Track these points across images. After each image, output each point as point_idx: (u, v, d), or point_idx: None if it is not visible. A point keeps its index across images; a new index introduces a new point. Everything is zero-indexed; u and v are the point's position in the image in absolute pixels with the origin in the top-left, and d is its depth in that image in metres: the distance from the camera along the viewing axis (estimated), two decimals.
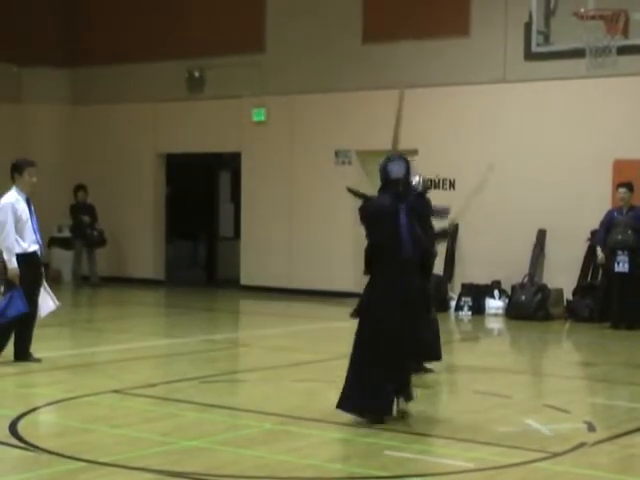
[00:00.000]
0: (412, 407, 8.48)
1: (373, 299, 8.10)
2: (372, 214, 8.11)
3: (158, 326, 15.43)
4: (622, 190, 14.88)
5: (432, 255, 8.44)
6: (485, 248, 16.97)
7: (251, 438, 7.54)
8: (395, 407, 8.11)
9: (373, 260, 8.12)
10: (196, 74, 20.20)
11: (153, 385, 9.63)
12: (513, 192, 16.83)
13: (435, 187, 17.16)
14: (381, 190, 8.26)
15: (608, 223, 14.84)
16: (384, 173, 8.17)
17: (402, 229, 7.96)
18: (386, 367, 7.97)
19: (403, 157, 8.29)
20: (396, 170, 8.13)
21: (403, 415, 8.19)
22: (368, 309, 8.10)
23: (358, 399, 8.00)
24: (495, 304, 16.44)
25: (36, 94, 21.46)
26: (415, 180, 10.07)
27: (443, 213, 9.55)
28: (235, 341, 13.67)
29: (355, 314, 8.20)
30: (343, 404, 8.06)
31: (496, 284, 16.63)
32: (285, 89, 19.24)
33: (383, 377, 7.97)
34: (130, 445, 7.21)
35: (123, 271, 21.20)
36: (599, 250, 14.91)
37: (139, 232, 21.06)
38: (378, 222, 8.05)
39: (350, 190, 8.51)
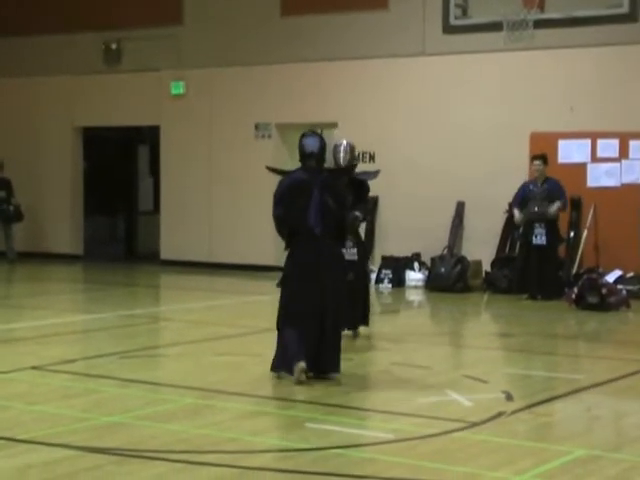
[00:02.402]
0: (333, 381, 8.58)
1: (290, 268, 8.63)
2: (288, 188, 8.57)
3: (77, 302, 15.29)
4: (537, 162, 15.06)
5: (346, 225, 8.98)
6: (405, 221, 17.10)
7: (172, 412, 7.53)
8: (305, 364, 8.41)
9: (290, 232, 8.61)
10: (113, 46, 19.98)
11: (72, 361, 9.56)
12: (432, 165, 16.96)
13: (355, 159, 17.21)
14: (300, 165, 8.73)
15: (522, 196, 15.03)
16: (299, 148, 8.65)
17: (313, 203, 8.43)
18: (306, 328, 8.46)
19: (317, 133, 8.80)
20: (310, 145, 8.59)
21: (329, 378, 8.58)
22: (287, 278, 8.65)
23: (283, 359, 8.56)
24: (415, 276, 16.57)
25: None
26: (343, 144, 11.04)
27: (373, 175, 11.27)
28: (155, 316, 13.60)
29: (279, 284, 8.75)
30: (273, 365, 8.69)
31: (416, 256, 16.77)
32: (204, 62, 19.12)
33: (304, 337, 8.45)
34: (49, 422, 7.16)
35: (41, 246, 20.96)
36: (516, 211, 15.01)
37: (57, 207, 20.81)
38: (293, 195, 8.51)
39: (269, 168, 9.12)
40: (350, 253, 11.03)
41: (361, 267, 11.27)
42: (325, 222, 8.50)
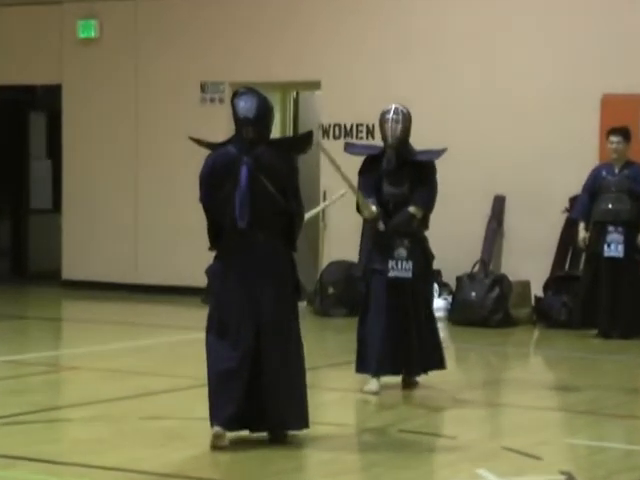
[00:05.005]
0: (312, 453, 8.54)
1: (214, 275, 8.88)
2: (211, 168, 8.86)
3: None
4: (614, 139, 15.04)
5: (299, 220, 8.95)
6: None
7: None
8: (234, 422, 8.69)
9: (216, 227, 8.88)
10: None
11: None
12: (456, 143, 16.86)
13: (347, 135, 17.24)
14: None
15: (594, 186, 15.03)
16: (232, 112, 8.85)
17: (238, 190, 8.65)
18: (237, 367, 8.64)
19: (256, 91, 8.86)
20: (243, 108, 8.72)
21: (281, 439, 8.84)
22: (211, 289, 8.90)
23: (214, 408, 8.70)
24: (434, 304, 16.55)
25: None
26: (391, 112, 10.95)
27: (438, 154, 11.21)
28: (56, 362, 13.63)
29: (204, 298, 9.07)
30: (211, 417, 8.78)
31: (435, 275, 16.74)
32: None
33: (231, 377, 8.64)
34: None
35: None
36: (581, 226, 15.09)
37: None
38: (217, 177, 8.79)
39: (193, 139, 9.32)
40: (402, 268, 10.89)
41: (418, 289, 11.18)
42: (257, 214, 8.65)
